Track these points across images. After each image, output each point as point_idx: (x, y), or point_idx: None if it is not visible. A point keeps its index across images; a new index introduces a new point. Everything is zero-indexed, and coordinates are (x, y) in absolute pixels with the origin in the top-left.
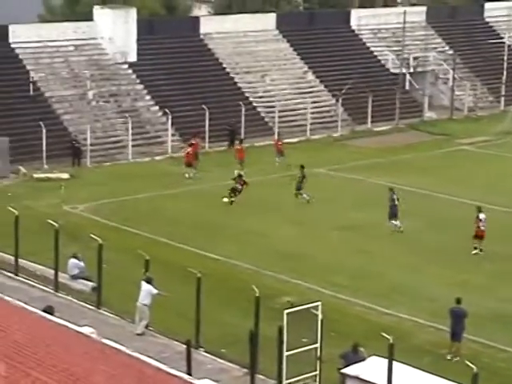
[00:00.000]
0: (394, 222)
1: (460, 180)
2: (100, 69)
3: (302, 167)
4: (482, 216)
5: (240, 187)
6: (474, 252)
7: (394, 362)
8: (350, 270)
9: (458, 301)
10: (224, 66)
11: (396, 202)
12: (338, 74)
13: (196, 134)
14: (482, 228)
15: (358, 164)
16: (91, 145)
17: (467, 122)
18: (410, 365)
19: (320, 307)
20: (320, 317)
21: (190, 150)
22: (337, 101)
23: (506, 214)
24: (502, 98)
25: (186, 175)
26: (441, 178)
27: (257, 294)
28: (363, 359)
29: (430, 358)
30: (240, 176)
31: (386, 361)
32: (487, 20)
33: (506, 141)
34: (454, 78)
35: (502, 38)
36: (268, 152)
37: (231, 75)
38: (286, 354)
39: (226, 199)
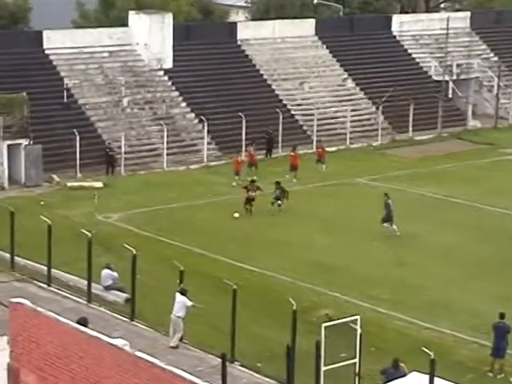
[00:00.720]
0: (386, 225)
1: (504, 191)
2: (135, 75)
3: (278, 183)
4: None
5: (253, 194)
6: None
7: (436, 379)
8: (390, 283)
9: (502, 316)
10: (261, 72)
11: (391, 207)
12: (379, 81)
13: (252, 142)
14: None
15: (399, 174)
16: (125, 153)
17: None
18: (451, 381)
19: (359, 321)
20: (359, 331)
21: (239, 158)
22: (377, 109)
23: None
24: None
25: (234, 183)
26: (484, 188)
27: (294, 307)
28: (404, 375)
29: (472, 375)
30: (253, 182)
31: (428, 377)
32: None
33: None
34: (498, 86)
35: None
36: (307, 160)
37: (269, 82)
38: (323, 369)
39: (237, 214)
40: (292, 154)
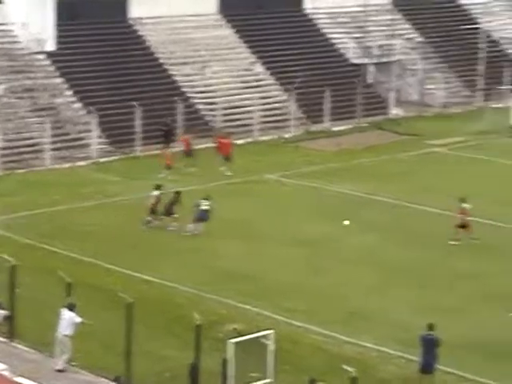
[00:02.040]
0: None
1: (431, 187)
2: (11, 59)
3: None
4: (465, 206)
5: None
6: (452, 243)
7: None
8: (307, 293)
9: (431, 327)
10: (157, 55)
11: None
12: (291, 65)
13: (188, 129)
14: (467, 218)
15: (314, 169)
16: (2, 148)
17: (439, 120)
18: None
19: (272, 336)
20: (272, 347)
21: (167, 151)
22: (289, 96)
23: (486, 226)
24: (479, 93)
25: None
26: (409, 184)
27: (198, 322)
28: None
29: None
30: (178, 193)
31: None
32: (461, 2)
33: (484, 142)
34: (423, 70)
35: (478, 23)
36: (209, 156)
37: (165, 67)
38: None
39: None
40: (223, 141)
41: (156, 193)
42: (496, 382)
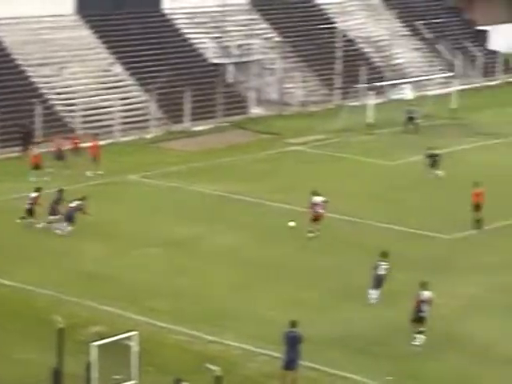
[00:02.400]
0: None
1: (291, 186)
2: None
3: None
4: (316, 199)
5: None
6: (310, 235)
7: None
8: (170, 293)
9: (293, 324)
10: (14, 57)
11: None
12: (150, 65)
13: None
14: (320, 211)
15: (176, 169)
16: None
17: (298, 118)
18: None
19: (135, 337)
20: (136, 348)
21: (34, 151)
22: (149, 97)
23: (345, 222)
24: (337, 91)
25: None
26: (270, 183)
27: (60, 325)
28: None
29: None
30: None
31: None
32: (317, 2)
33: (342, 139)
34: (282, 69)
35: (334, 23)
36: (73, 157)
37: (23, 68)
38: None
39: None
40: (91, 143)
41: (34, 194)
42: (356, 376)
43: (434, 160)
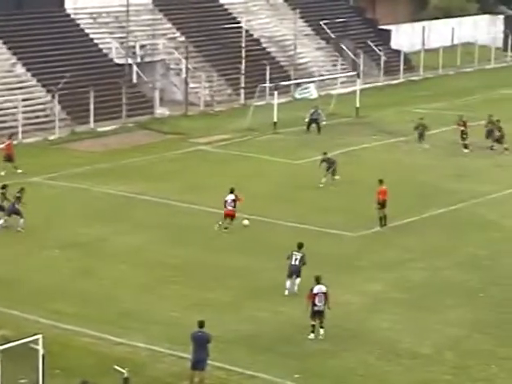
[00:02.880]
0: None
1: (198, 185)
2: None
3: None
4: (228, 197)
5: None
6: (216, 226)
7: None
8: (75, 295)
9: (201, 324)
10: None
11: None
12: (54, 66)
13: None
14: (230, 208)
15: (81, 170)
16: None
17: (204, 118)
18: None
19: (41, 340)
20: (41, 352)
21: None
22: (53, 97)
23: (252, 222)
24: (242, 91)
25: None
26: (176, 183)
27: None
28: None
29: None
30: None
31: None
32: (222, 2)
33: (248, 139)
34: (187, 69)
35: (238, 22)
36: None
37: None
38: None
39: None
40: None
41: None
42: (264, 374)
43: (329, 166)
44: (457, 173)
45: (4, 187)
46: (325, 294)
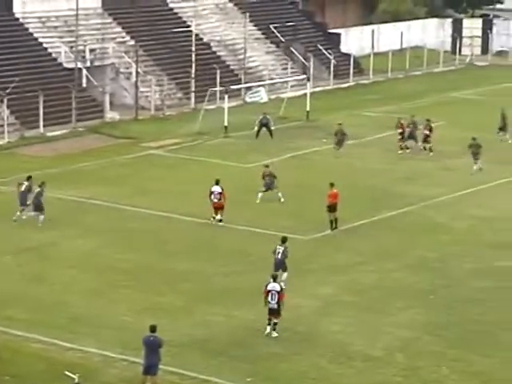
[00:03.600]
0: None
1: (149, 189)
2: None
3: None
4: (213, 189)
5: None
6: (212, 221)
7: None
8: (26, 301)
9: (153, 328)
10: None
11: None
12: (2, 70)
13: None
14: (215, 200)
15: (32, 176)
16: None
17: (154, 122)
18: None
19: None
20: None
21: None
22: (1, 102)
23: (204, 226)
24: (192, 95)
25: None
26: (127, 187)
27: None
28: None
29: None
30: None
31: None
32: (171, 6)
33: (199, 143)
34: (137, 73)
35: (188, 26)
36: None
37: None
38: None
39: None
40: None
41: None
42: (217, 378)
43: (271, 181)
44: (406, 176)
45: (29, 179)
46: (278, 292)
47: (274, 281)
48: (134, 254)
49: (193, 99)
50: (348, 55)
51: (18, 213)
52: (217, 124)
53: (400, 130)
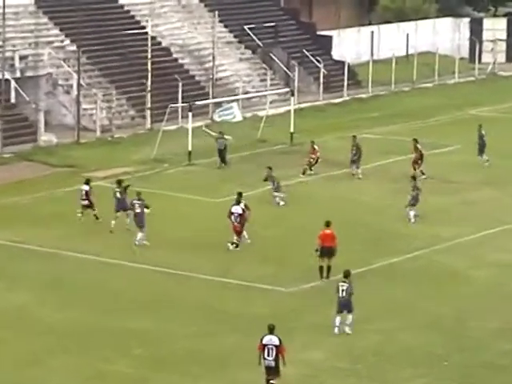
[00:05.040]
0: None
1: (93, 230)
2: None
3: None
4: (234, 209)
5: None
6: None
7: None
8: None
9: None
10: None
11: None
12: None
13: None
14: (236, 223)
15: None
16: None
17: (101, 146)
18: None
19: None
20: None
21: None
22: None
23: (164, 275)
24: (148, 113)
25: None
26: (66, 228)
27: None
28: None
29: None
30: None
31: None
32: (122, 3)
33: (156, 172)
34: (79, 85)
35: (143, 27)
36: None
37: None
38: None
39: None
40: None
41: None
42: None
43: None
44: (414, 212)
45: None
46: (277, 347)
47: (271, 333)
48: (76, 310)
49: (148, 118)
50: (341, 63)
51: None
52: (178, 149)
53: (312, 156)
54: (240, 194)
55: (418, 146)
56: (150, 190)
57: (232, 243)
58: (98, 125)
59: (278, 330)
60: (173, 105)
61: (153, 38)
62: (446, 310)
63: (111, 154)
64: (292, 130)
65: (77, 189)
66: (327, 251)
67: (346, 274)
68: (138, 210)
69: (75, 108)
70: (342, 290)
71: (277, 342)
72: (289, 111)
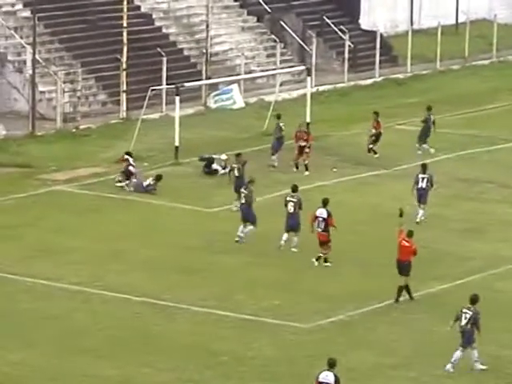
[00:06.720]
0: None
1: (52, 248)
2: None
3: None
4: (318, 212)
5: None
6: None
7: None
8: None
9: None
10: None
11: None
12: None
13: None
14: (319, 230)
15: None
16: None
17: (63, 140)
18: None
19: None
20: None
21: None
22: None
23: (147, 307)
24: (123, 97)
25: None
26: (17, 245)
27: None
28: None
29: None
30: None
31: None
32: None
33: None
34: (34, 62)
35: None
36: None
37: None
38: None
39: None
40: None
41: None
42: None
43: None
44: (467, 226)
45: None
46: None
47: (331, 368)
48: (31, 351)
49: (124, 104)
50: (372, 33)
51: None
52: (162, 144)
53: (303, 144)
54: (295, 188)
55: (379, 119)
56: (124, 196)
57: (318, 258)
58: (59, 112)
59: (290, 376)
60: (155, 87)
61: (129, 1)
62: (507, 352)
63: (76, 151)
64: (308, 119)
65: None
66: (400, 266)
67: (474, 300)
68: None
69: (29, 91)
70: (465, 317)
71: (332, 381)
72: (304, 95)
